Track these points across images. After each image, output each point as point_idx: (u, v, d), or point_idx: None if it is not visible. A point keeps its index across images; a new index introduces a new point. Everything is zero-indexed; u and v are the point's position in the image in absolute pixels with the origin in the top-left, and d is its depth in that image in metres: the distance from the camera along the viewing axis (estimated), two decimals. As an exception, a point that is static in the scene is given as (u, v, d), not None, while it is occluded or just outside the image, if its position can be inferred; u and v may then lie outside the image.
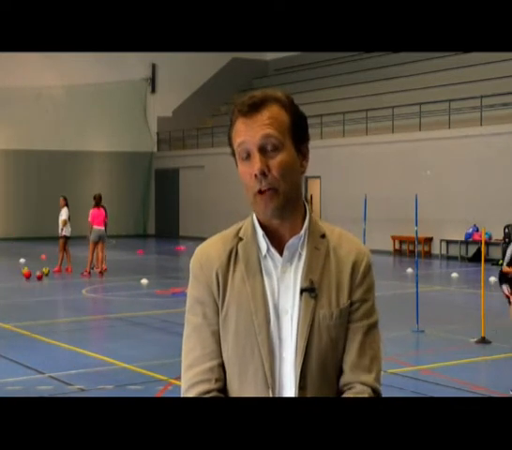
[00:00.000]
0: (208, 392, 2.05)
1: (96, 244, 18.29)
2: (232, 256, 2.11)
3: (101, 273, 18.35)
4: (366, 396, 2.06)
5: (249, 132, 2.01)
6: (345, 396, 2.07)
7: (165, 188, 34.69)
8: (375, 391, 2.08)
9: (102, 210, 18.42)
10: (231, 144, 2.09)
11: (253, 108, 2.02)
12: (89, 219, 18.32)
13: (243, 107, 2.03)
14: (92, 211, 18.37)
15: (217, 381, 2.07)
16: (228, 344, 2.08)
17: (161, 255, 26.03)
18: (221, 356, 2.09)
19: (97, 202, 18.44)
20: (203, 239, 2.29)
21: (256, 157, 2.01)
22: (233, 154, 2.09)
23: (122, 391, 7.71)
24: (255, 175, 2.00)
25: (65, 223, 18.83)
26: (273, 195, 2.01)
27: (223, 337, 2.09)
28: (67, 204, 18.95)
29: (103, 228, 18.37)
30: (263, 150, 2.01)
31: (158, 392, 7.70)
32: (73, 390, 7.83)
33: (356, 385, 2.07)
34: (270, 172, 2.00)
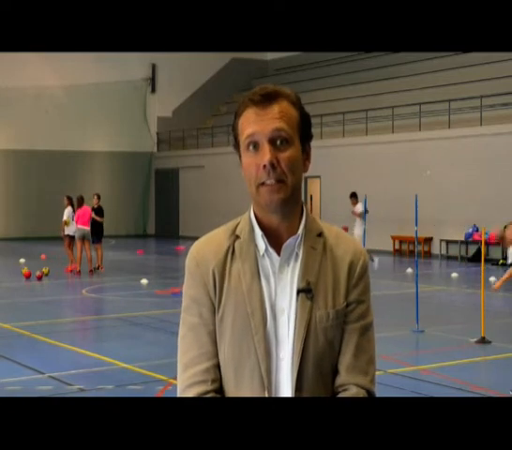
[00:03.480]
0: (205, 393, 2.04)
1: (82, 242, 18.47)
2: (228, 254, 2.09)
3: (91, 271, 18.49)
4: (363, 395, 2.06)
5: (261, 123, 2.00)
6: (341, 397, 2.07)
7: (165, 188, 34.70)
8: (370, 393, 2.08)
9: (88, 210, 18.70)
10: (235, 136, 2.06)
11: (266, 98, 2.01)
12: (74, 219, 18.66)
13: (255, 96, 2.02)
14: (77, 211, 18.65)
15: (213, 381, 2.06)
16: (224, 344, 2.07)
17: (161, 255, 26.03)
18: (217, 356, 2.08)
19: (80, 202, 18.86)
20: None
21: (266, 148, 1.99)
22: (236, 146, 2.07)
23: (122, 391, 7.71)
24: (264, 166, 1.98)
25: (64, 223, 19.02)
26: (280, 187, 2.00)
27: (219, 337, 2.07)
28: (71, 204, 19.08)
29: (87, 227, 18.56)
30: (272, 142, 2.00)
31: (158, 392, 7.70)
32: (73, 390, 7.82)
33: (352, 387, 2.07)
34: (279, 165, 1.99)
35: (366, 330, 2.10)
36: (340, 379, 2.08)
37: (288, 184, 2.00)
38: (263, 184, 2.00)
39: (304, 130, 2.06)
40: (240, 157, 2.06)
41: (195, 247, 2.14)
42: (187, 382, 2.07)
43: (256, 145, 2.01)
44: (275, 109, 2.01)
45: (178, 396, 2.09)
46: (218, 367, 2.08)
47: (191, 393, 2.05)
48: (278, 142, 2.00)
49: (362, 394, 2.06)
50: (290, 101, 2.04)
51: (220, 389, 2.08)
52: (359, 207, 19.29)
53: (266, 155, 1.98)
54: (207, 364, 2.07)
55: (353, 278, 2.09)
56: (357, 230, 19.13)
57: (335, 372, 2.08)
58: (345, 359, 2.08)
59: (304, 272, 2.06)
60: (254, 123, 2.01)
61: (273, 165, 1.98)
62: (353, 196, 19.90)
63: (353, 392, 2.06)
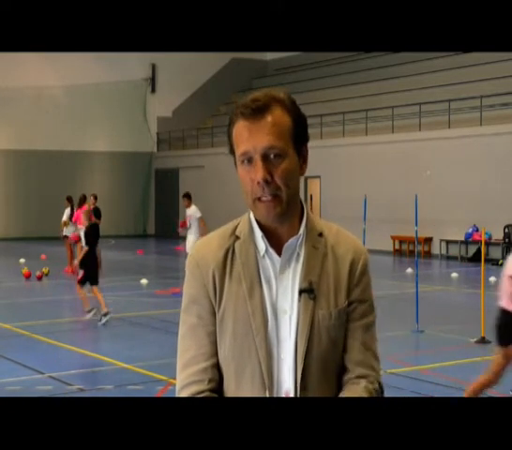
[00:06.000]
0: (200, 393, 2.05)
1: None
2: (228, 255, 2.09)
3: None
4: (375, 386, 2.07)
5: (253, 140, 1.99)
6: (352, 390, 2.06)
7: (165, 188, 34.67)
8: (380, 385, 2.10)
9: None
10: (231, 143, 2.06)
11: (256, 112, 1.99)
12: (73, 219, 18.63)
13: (246, 110, 2.00)
14: (77, 211, 18.66)
15: (210, 381, 2.06)
16: (225, 345, 2.07)
17: (161, 255, 26.02)
18: (216, 356, 2.08)
19: (82, 201, 18.80)
20: (202, 239, 2.28)
21: (259, 164, 1.99)
22: (232, 151, 2.07)
23: (122, 391, 7.71)
24: (258, 182, 1.98)
25: (64, 224, 19.02)
26: (276, 202, 2.00)
27: (220, 338, 2.08)
28: (71, 205, 19.07)
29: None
30: (265, 158, 1.99)
31: (158, 392, 7.70)
32: (73, 390, 7.83)
33: (361, 381, 2.07)
34: (273, 180, 1.99)
35: (370, 327, 2.12)
36: (350, 374, 2.09)
37: (283, 197, 2.00)
38: (258, 199, 2.01)
39: (298, 135, 2.05)
40: (236, 164, 2.07)
41: (195, 249, 2.15)
42: (184, 382, 2.08)
43: (250, 160, 2.01)
44: (267, 121, 1.99)
45: (176, 395, 2.10)
46: (216, 367, 2.08)
47: (187, 392, 2.06)
48: (272, 156, 1.99)
49: (372, 386, 2.06)
50: (283, 107, 2.02)
51: (218, 389, 2.08)
52: (194, 210, 15.72)
53: (259, 171, 1.98)
54: (205, 364, 2.07)
55: (355, 277, 2.10)
56: (192, 236, 15.54)
57: (340, 371, 2.09)
58: (352, 355, 2.09)
59: (306, 272, 2.06)
60: (247, 140, 2.00)
61: (267, 181, 1.98)
62: (186, 196, 15.93)
63: (363, 385, 2.06)
